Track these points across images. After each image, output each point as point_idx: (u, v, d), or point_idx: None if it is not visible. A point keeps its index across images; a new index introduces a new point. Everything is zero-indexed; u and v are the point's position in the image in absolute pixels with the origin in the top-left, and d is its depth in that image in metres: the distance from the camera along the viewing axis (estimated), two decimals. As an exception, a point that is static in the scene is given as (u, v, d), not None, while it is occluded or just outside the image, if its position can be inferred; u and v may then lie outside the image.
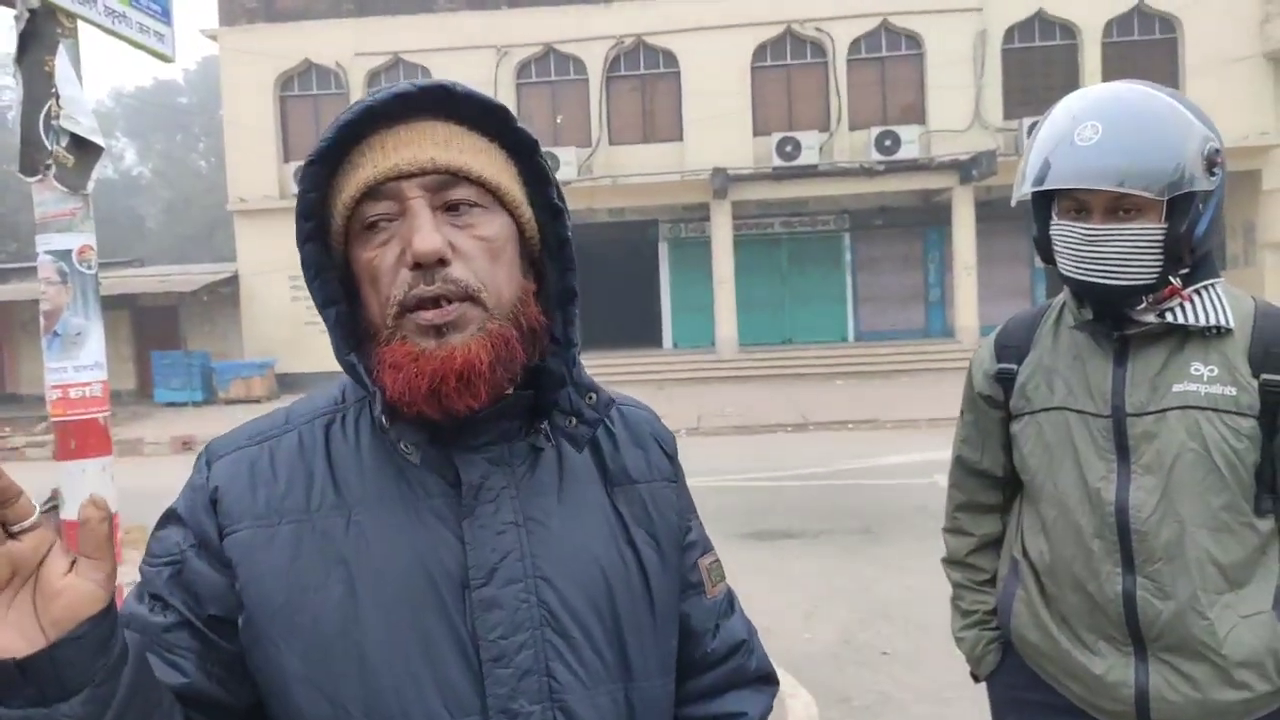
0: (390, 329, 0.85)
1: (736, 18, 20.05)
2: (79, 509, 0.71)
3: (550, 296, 0.94)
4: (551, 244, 0.94)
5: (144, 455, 14.32)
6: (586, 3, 20.53)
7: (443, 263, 0.83)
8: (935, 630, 1.94)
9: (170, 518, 0.92)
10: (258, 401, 19.17)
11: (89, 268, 4.44)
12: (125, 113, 49.10)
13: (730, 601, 1.12)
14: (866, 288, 22.47)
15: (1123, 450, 1.53)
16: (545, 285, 0.94)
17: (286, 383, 20.25)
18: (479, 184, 0.87)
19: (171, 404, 19.75)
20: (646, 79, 20.84)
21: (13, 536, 0.68)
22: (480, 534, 0.87)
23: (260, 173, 20.79)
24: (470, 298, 0.84)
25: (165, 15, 5.00)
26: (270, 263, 20.57)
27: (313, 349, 20.76)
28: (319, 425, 0.93)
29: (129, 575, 4.25)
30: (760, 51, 20.47)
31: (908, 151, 19.24)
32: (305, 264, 0.89)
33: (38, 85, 4.28)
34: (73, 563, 0.70)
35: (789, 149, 19.30)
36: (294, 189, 17.35)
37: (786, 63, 20.61)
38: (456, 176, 0.86)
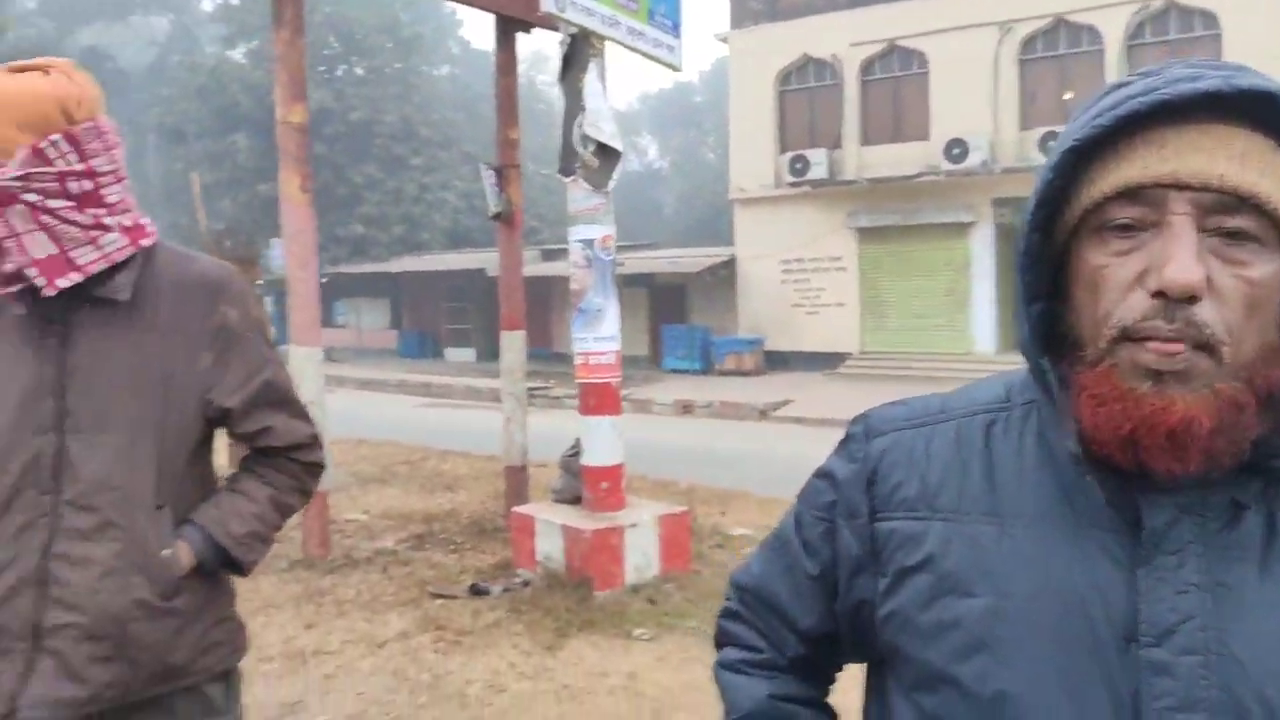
0: (1100, 351, 0.74)
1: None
2: None
3: None
4: None
5: (652, 414, 16.27)
6: (1107, -39, 18.53)
7: (1192, 299, 0.70)
8: None
9: (829, 476, 0.93)
10: (747, 374, 20.65)
11: (608, 254, 5.25)
12: (649, 113, 55.60)
13: None
14: None
15: None
16: None
17: (773, 360, 21.49)
18: (1269, 216, 0.71)
19: (676, 371, 22.11)
20: (1176, 45, 18.24)
21: None
22: (1157, 587, 0.74)
23: (758, 164, 22.15)
24: (1207, 347, 0.70)
25: (675, 30, 5.67)
26: (764, 247, 21.93)
27: (799, 330, 21.75)
28: (979, 422, 0.87)
29: (629, 518, 4.95)
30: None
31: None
32: (1027, 253, 0.78)
33: (574, 99, 5.15)
34: None
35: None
36: (788, 179, 17.89)
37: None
38: (1243, 202, 0.71)
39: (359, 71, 34.04)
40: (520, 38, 6.85)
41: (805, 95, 21.94)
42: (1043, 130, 18.24)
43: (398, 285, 31.38)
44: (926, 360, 19.62)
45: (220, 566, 1.53)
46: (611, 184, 5.14)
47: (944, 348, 20.17)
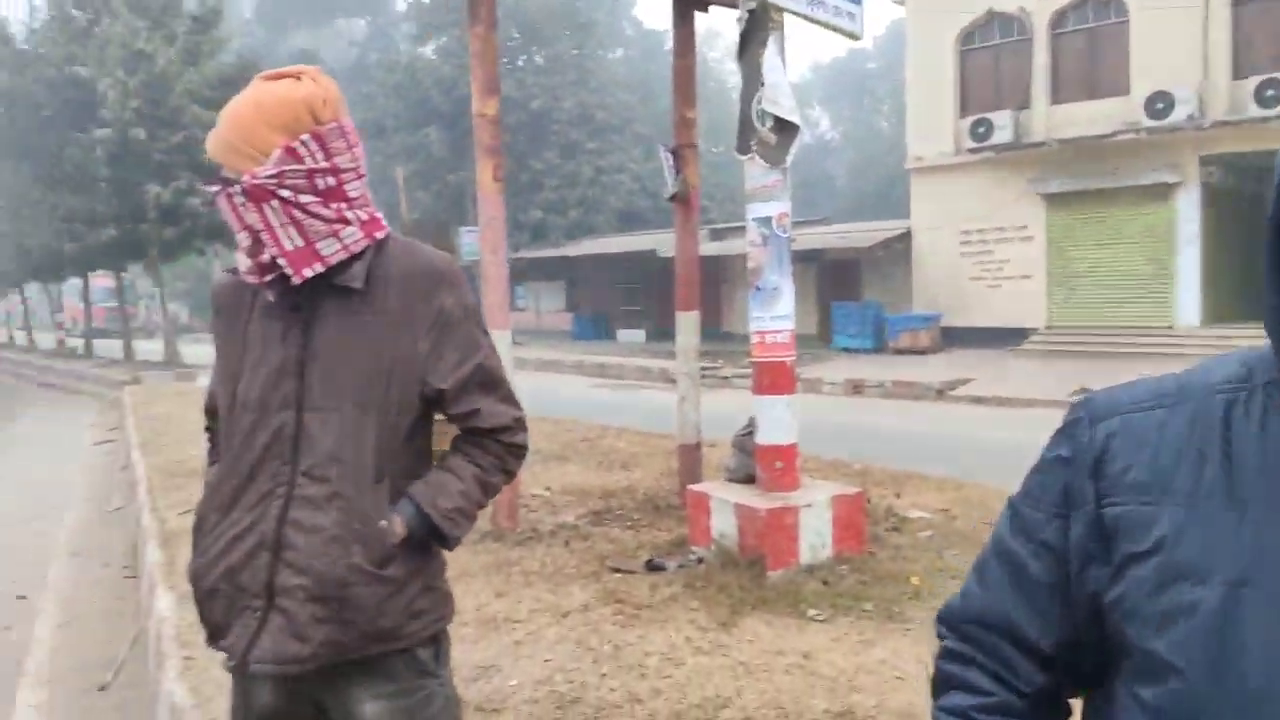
0: None
1: None
2: None
3: None
4: None
5: (821, 394, 16.03)
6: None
7: None
8: None
9: (1050, 466, 0.89)
10: (922, 353, 19.95)
11: (784, 232, 5.19)
12: (821, 83, 54.33)
13: None
14: None
15: None
16: None
17: (950, 337, 20.66)
18: None
19: (846, 349, 21.65)
20: None
21: None
22: None
23: (937, 130, 21.23)
24: None
25: (856, -4, 5.50)
26: (941, 219, 21.04)
27: (978, 305, 20.79)
28: (1218, 403, 0.82)
29: (803, 498, 4.90)
30: None
31: None
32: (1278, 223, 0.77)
33: (753, 75, 5.10)
34: None
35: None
36: (969, 144, 17.06)
37: None
38: None
39: (539, 60, 35.06)
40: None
41: (989, 54, 20.83)
42: (1260, 79, 16.55)
43: (573, 268, 32.25)
44: (1123, 335, 18.33)
45: (428, 539, 1.63)
46: (789, 160, 5.07)
47: (1142, 321, 18.76)
